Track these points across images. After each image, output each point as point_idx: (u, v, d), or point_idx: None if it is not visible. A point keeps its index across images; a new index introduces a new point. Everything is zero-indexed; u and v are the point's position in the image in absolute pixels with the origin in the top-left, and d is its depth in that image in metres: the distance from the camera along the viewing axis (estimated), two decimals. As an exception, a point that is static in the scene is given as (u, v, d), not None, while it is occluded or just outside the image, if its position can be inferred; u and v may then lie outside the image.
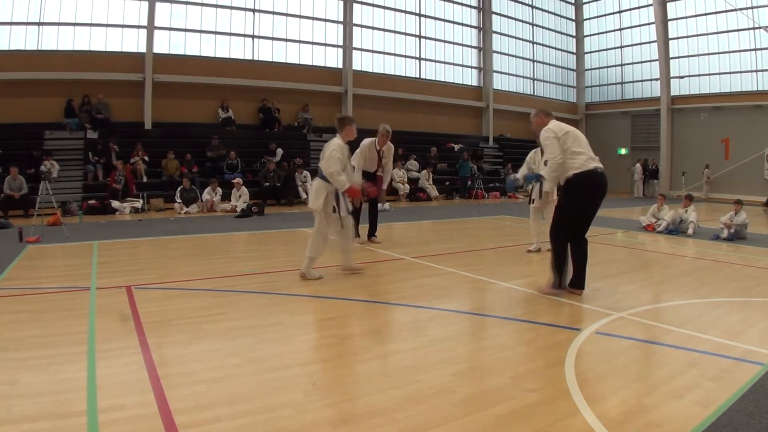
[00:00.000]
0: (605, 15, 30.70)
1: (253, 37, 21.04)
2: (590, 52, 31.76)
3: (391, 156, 9.34)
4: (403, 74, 25.11)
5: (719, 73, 25.54)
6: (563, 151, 5.53)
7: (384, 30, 24.46)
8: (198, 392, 3.28)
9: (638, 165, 25.60)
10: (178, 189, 14.94)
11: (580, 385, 3.44)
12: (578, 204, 5.62)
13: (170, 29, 19.33)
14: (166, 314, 4.95)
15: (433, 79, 26.00)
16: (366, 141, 9.08)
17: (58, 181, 14.57)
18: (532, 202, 8.84)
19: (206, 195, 15.05)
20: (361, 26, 23.68)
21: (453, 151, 24.37)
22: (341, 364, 3.97)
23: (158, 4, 18.67)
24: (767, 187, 23.08)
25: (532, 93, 30.13)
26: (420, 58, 25.67)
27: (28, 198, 12.75)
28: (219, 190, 15.29)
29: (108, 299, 5.44)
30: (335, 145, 6.48)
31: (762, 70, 24.03)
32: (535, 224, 8.77)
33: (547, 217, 8.73)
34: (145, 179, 16.12)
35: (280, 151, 18.71)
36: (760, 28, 22.98)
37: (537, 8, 30.19)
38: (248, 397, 3.24)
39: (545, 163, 6.98)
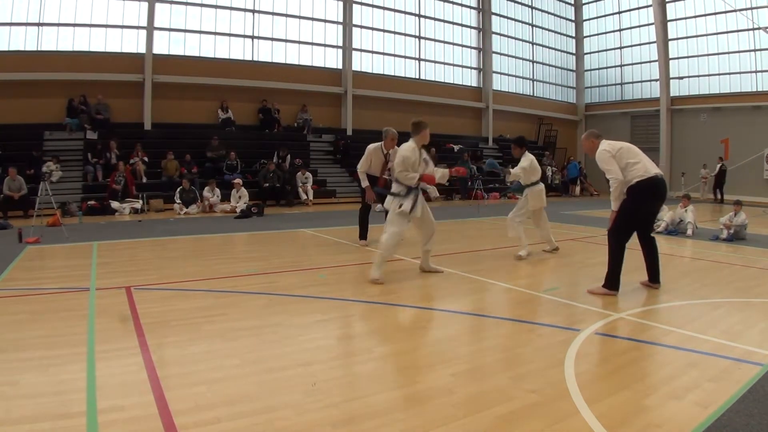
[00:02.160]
0: (605, 16, 30.73)
1: (252, 37, 21.06)
2: (590, 53, 31.78)
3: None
4: (403, 75, 25.15)
5: (719, 74, 25.56)
6: (622, 168, 5.78)
7: (383, 31, 24.49)
8: (198, 393, 3.28)
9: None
10: (178, 189, 14.94)
11: (580, 386, 3.43)
12: (641, 208, 5.89)
13: (170, 30, 19.37)
14: (165, 315, 4.94)
15: (433, 79, 26.04)
16: (371, 146, 9.04)
17: (58, 183, 14.60)
18: None
19: (205, 193, 15.07)
20: (361, 27, 23.71)
21: (453, 151, 24.37)
22: (341, 365, 3.97)
23: (158, 5, 18.71)
24: (767, 187, 23.10)
25: (531, 94, 30.16)
26: (420, 59, 25.70)
27: (28, 199, 12.74)
28: (218, 190, 15.30)
29: (108, 300, 5.44)
30: (408, 148, 6.47)
31: (761, 71, 24.05)
32: (520, 230, 8.46)
33: (540, 225, 8.66)
34: (144, 180, 16.13)
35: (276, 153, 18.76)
36: (759, 29, 22.99)
37: (536, 9, 30.22)
38: (248, 398, 3.23)
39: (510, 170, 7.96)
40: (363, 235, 9.38)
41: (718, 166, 23.04)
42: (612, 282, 5.91)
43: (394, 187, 6.60)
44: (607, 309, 5.33)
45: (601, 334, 4.57)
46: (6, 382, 3.37)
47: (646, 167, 5.76)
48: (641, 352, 4.25)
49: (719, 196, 22.51)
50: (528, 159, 8.33)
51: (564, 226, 12.24)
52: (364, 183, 8.90)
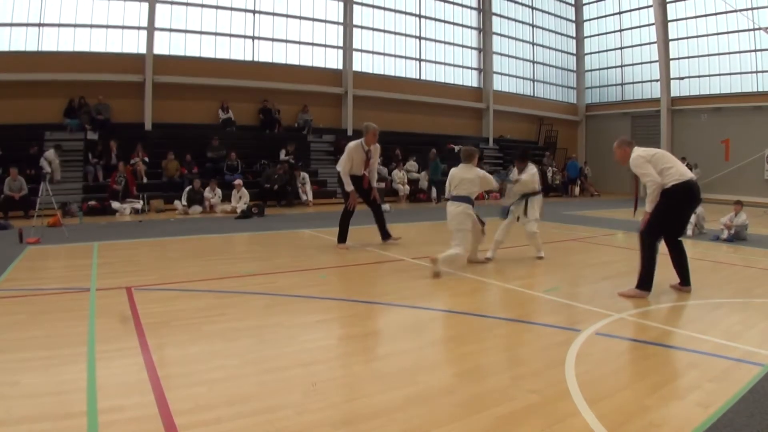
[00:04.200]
0: (605, 16, 30.69)
1: (253, 38, 21.05)
2: (590, 54, 31.75)
3: (377, 157, 9.14)
4: (403, 75, 25.09)
5: (719, 75, 25.51)
6: (658, 172, 5.87)
7: (384, 31, 24.45)
8: (198, 393, 3.28)
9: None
10: (187, 189, 14.92)
11: (581, 386, 3.44)
12: (675, 210, 5.97)
13: (170, 30, 19.33)
14: (166, 315, 4.95)
15: (433, 80, 25.99)
16: (351, 144, 8.86)
17: (58, 182, 14.62)
18: (517, 219, 8.63)
19: (206, 194, 15.09)
20: (362, 27, 23.68)
21: (453, 152, 24.36)
22: (341, 365, 3.97)
23: (158, 6, 18.68)
24: (767, 188, 23.09)
25: (532, 94, 30.13)
26: (420, 59, 25.67)
27: (29, 199, 12.74)
28: (218, 191, 15.31)
29: (108, 300, 5.44)
30: (485, 173, 7.32)
31: (762, 72, 24.01)
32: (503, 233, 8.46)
33: (508, 232, 8.61)
34: (145, 180, 16.13)
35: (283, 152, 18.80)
36: (760, 29, 22.98)
37: (537, 9, 30.18)
38: (248, 398, 3.24)
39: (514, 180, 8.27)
40: (343, 238, 9.02)
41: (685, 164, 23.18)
42: (645, 283, 5.91)
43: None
44: (607, 309, 5.33)
45: (601, 335, 4.57)
46: (7, 382, 3.37)
47: (680, 171, 5.88)
48: (642, 353, 4.25)
49: None
50: (533, 171, 8.36)
51: (565, 227, 12.24)
52: (349, 187, 8.73)
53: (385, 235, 9.41)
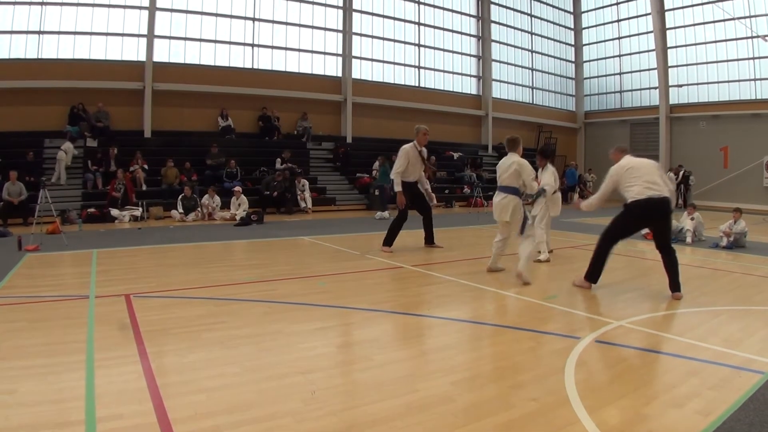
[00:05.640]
0: (604, 24, 30.83)
1: (252, 45, 21.12)
2: (589, 61, 31.88)
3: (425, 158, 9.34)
4: (403, 83, 25.20)
5: (717, 82, 25.62)
6: (623, 187, 6.31)
7: (383, 39, 24.56)
8: (197, 401, 3.27)
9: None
10: (180, 197, 14.94)
11: (580, 394, 3.43)
12: (628, 223, 6.41)
13: (170, 38, 19.42)
14: (165, 323, 4.94)
15: (433, 87, 26.08)
16: (406, 145, 9.09)
17: (60, 188, 14.66)
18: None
19: (204, 200, 15.08)
20: (361, 35, 23.78)
21: (452, 159, 24.41)
22: (341, 373, 3.96)
23: (158, 13, 18.75)
24: (766, 195, 23.11)
25: (531, 102, 30.22)
26: (419, 67, 25.77)
27: (27, 206, 12.72)
28: (217, 198, 15.31)
29: (107, 308, 5.43)
30: (524, 160, 7.19)
31: (760, 79, 24.11)
32: (546, 236, 8.74)
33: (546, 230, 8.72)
34: (144, 187, 16.12)
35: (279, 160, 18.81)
36: (758, 37, 23.08)
37: (536, 17, 30.32)
38: (248, 406, 3.23)
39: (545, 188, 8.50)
40: (389, 241, 9.19)
41: (681, 172, 23.58)
42: (591, 275, 6.53)
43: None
44: (607, 317, 5.33)
45: (601, 342, 4.56)
46: (5, 390, 3.36)
47: (639, 191, 6.10)
48: (641, 360, 4.25)
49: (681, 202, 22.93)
50: (551, 169, 8.55)
51: (563, 234, 12.24)
52: (398, 187, 8.95)
53: (430, 240, 9.61)
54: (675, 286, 6.20)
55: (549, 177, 8.59)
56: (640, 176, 6.18)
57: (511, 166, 7.12)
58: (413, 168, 9.04)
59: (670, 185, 6.43)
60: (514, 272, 6.98)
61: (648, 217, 6.29)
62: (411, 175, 9.10)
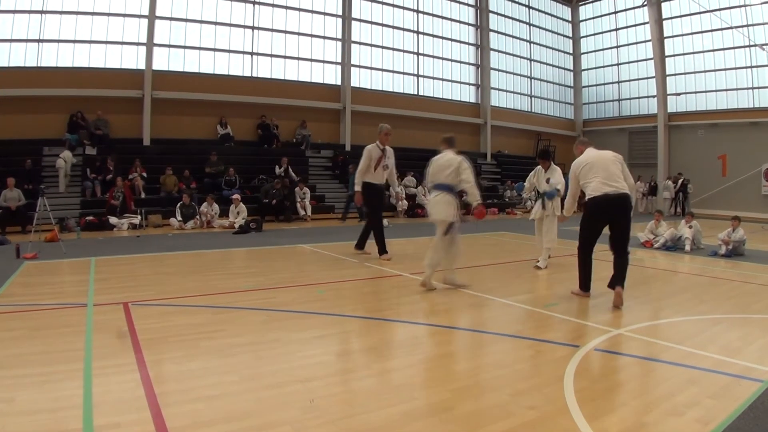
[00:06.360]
0: (602, 32, 30.99)
1: (252, 54, 21.19)
2: (587, 69, 32.00)
3: (393, 159, 9.28)
4: (401, 91, 25.29)
5: (716, 91, 25.73)
6: (582, 183, 6.31)
7: (382, 47, 24.66)
8: (195, 410, 3.26)
9: (639, 182, 25.62)
10: (178, 205, 14.94)
11: (579, 403, 3.42)
12: (587, 221, 6.36)
13: (169, 46, 19.48)
14: (163, 331, 4.92)
15: (431, 95, 26.17)
16: (369, 146, 9.10)
17: (60, 195, 14.66)
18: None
19: (203, 208, 15.09)
20: (360, 43, 23.87)
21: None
22: (339, 381, 3.95)
23: (158, 21, 18.82)
24: (765, 203, 23.16)
25: (529, 110, 30.31)
26: (418, 75, 25.85)
27: (26, 214, 12.71)
28: (216, 206, 15.30)
29: (105, 316, 5.41)
30: (463, 159, 6.94)
31: (758, 88, 24.23)
32: (539, 239, 8.87)
33: (543, 229, 8.79)
34: (143, 195, 16.12)
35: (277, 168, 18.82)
36: (755, 45, 23.19)
37: (534, 26, 30.47)
38: (246, 415, 3.21)
39: (547, 181, 8.46)
40: (383, 249, 9.18)
41: (680, 180, 23.88)
42: (582, 285, 6.57)
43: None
44: (606, 325, 5.32)
45: (600, 350, 4.55)
46: (2, 399, 3.35)
47: (594, 187, 6.08)
48: (641, 369, 4.24)
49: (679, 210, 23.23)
50: (559, 169, 8.61)
51: (561, 242, 12.22)
52: (357, 186, 9.00)
53: (360, 245, 9.59)
54: (618, 281, 6.05)
55: (559, 176, 8.58)
56: (597, 172, 6.12)
57: (451, 163, 6.90)
58: (380, 169, 9.04)
59: (630, 179, 6.28)
60: (419, 283, 6.92)
61: (605, 214, 6.13)
62: (376, 177, 9.10)
